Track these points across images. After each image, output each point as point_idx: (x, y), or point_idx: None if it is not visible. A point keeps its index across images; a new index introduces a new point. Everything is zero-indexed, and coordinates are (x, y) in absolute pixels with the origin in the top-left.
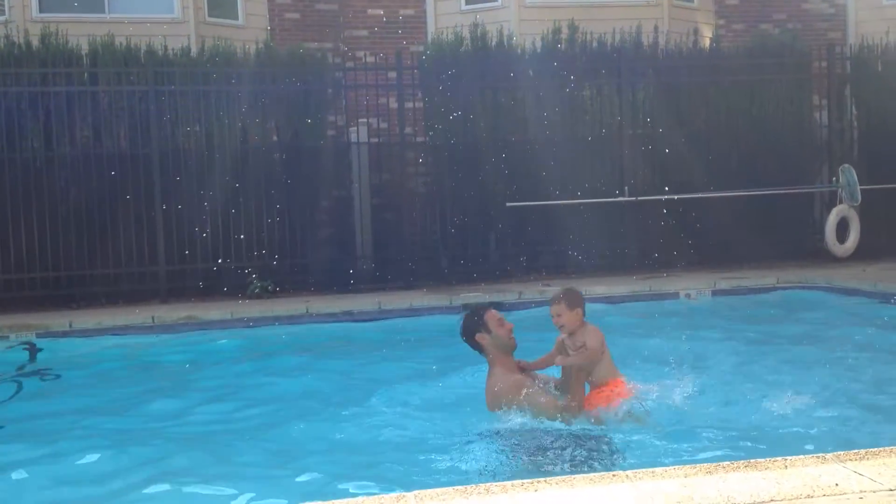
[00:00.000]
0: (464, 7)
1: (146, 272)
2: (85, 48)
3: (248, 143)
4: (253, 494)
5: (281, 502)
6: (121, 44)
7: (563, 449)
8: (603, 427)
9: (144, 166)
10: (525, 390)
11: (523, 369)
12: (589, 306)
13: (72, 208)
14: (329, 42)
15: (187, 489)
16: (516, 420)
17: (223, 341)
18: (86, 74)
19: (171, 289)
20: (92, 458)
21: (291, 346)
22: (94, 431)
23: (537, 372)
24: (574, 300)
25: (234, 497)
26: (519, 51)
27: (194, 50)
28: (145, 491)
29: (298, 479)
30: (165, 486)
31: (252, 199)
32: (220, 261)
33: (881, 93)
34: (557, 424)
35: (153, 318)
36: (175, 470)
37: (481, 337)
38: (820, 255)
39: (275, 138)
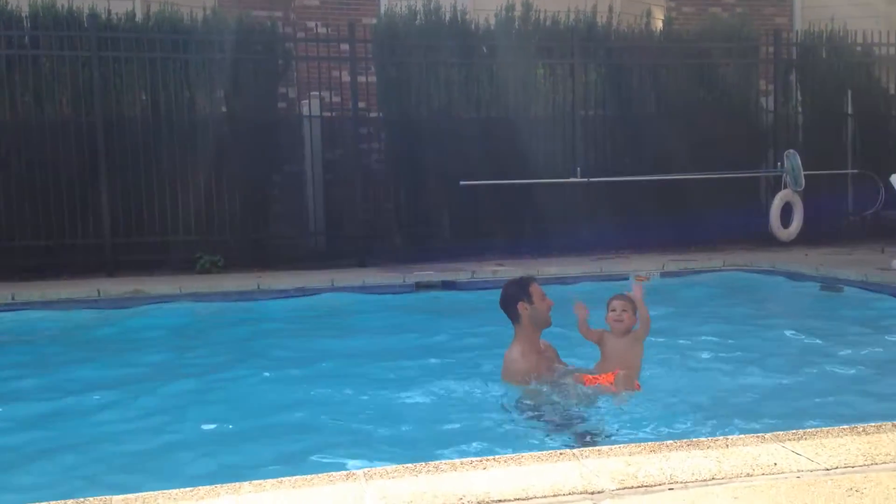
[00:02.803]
0: None
1: (91, 244)
2: (25, 10)
3: (195, 114)
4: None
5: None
6: (63, 6)
7: (570, 422)
8: (600, 404)
9: (88, 135)
10: (540, 382)
11: (543, 353)
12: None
13: (13, 177)
14: (279, 11)
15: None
16: (528, 395)
17: (170, 315)
18: (26, 38)
19: (118, 262)
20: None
21: (243, 321)
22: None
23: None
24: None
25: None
26: (473, 27)
27: (139, 15)
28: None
29: (256, 453)
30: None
31: (201, 171)
32: (167, 235)
33: (825, 79)
34: (569, 404)
35: (98, 291)
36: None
37: (522, 306)
38: (765, 239)
39: (224, 109)
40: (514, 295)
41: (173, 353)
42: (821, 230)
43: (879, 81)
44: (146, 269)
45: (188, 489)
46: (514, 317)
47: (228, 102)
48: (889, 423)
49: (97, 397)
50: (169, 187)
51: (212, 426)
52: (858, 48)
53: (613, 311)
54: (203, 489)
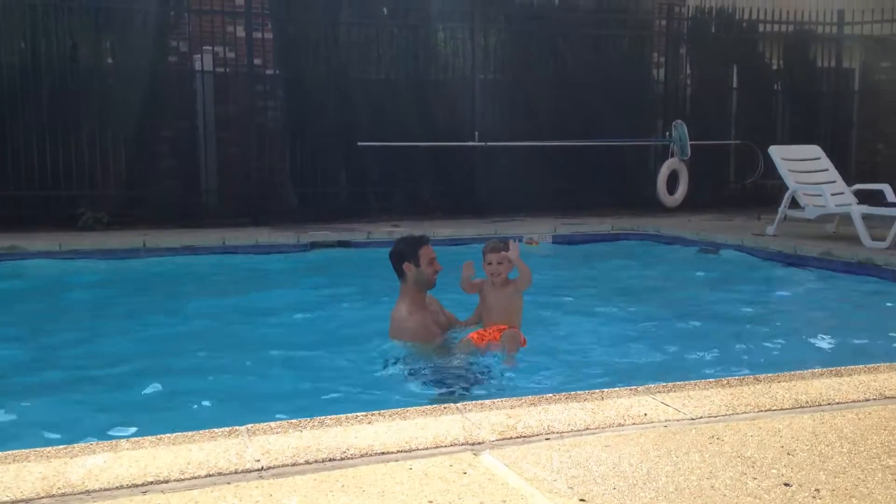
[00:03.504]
0: None
1: None
2: None
3: (79, 63)
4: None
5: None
6: None
7: (457, 379)
8: (487, 361)
9: None
10: (429, 341)
11: (428, 308)
12: (436, 248)
13: None
14: None
15: None
16: (412, 356)
17: (46, 272)
18: None
19: None
20: None
21: (126, 279)
22: None
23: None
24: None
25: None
26: None
27: None
28: None
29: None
30: None
31: (84, 124)
32: (48, 189)
33: (713, 54)
34: (453, 359)
35: None
36: None
37: (408, 266)
38: (652, 205)
39: (109, 60)
40: (401, 253)
41: (46, 311)
42: (704, 197)
43: (763, 57)
44: (22, 226)
45: (62, 447)
46: (399, 274)
47: (114, 53)
48: (751, 377)
49: None
50: (49, 139)
51: (91, 386)
52: (744, 25)
53: (489, 264)
54: (78, 446)
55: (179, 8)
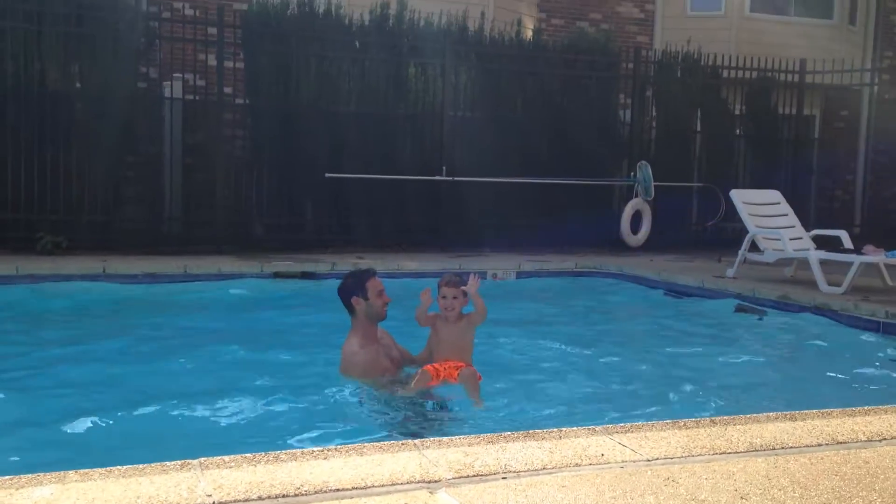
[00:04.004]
0: None
1: None
2: None
3: (46, 87)
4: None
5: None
6: None
7: (414, 414)
8: (443, 399)
9: None
10: (385, 376)
11: (380, 341)
12: (401, 281)
13: None
14: None
15: None
16: (365, 391)
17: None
18: None
19: None
20: None
21: (83, 305)
22: None
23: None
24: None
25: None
26: (347, 21)
27: None
28: None
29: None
30: None
31: (48, 148)
32: (6, 212)
33: (678, 97)
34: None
35: None
36: None
37: (357, 301)
38: (616, 244)
39: (78, 85)
40: (349, 287)
41: None
42: (667, 238)
43: (726, 102)
44: None
45: (7, 478)
46: (349, 309)
47: (83, 78)
48: (707, 419)
49: None
50: (12, 163)
51: (40, 415)
52: (709, 70)
53: (444, 298)
54: (25, 478)
55: (151, 35)
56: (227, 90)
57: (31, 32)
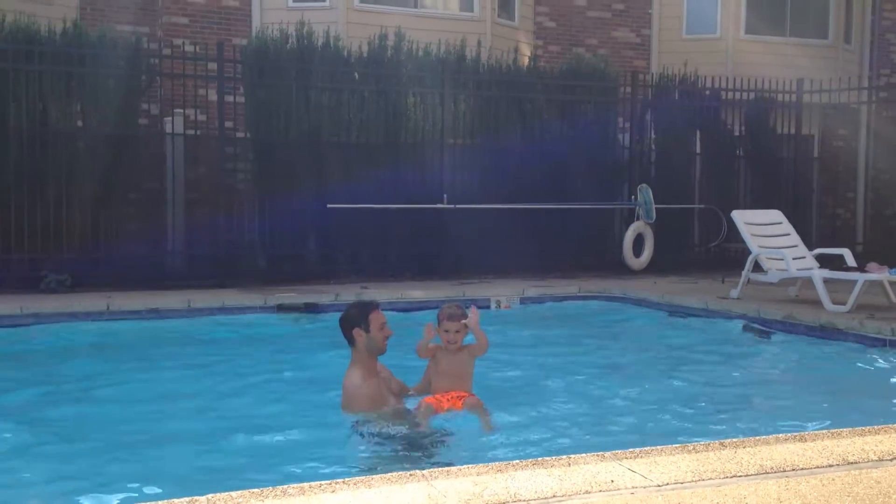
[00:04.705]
0: (291, 4)
1: None
2: None
3: (47, 127)
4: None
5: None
6: None
7: (421, 445)
8: (449, 425)
9: None
10: (385, 407)
11: (380, 374)
12: (404, 311)
13: None
14: (145, 27)
15: None
16: (369, 424)
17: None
18: None
19: None
20: None
21: (89, 343)
22: None
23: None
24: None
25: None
26: (346, 53)
27: None
28: None
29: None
30: None
31: (51, 187)
32: (10, 252)
33: (677, 120)
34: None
35: None
36: None
37: (358, 333)
38: (618, 268)
39: (80, 123)
40: (350, 319)
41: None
42: (669, 260)
43: (725, 124)
44: None
45: None
46: (350, 341)
47: (85, 117)
48: (717, 442)
49: None
50: (14, 202)
51: (48, 454)
52: (707, 92)
53: (447, 331)
54: None
55: (151, 72)
56: (228, 124)
57: (32, 73)
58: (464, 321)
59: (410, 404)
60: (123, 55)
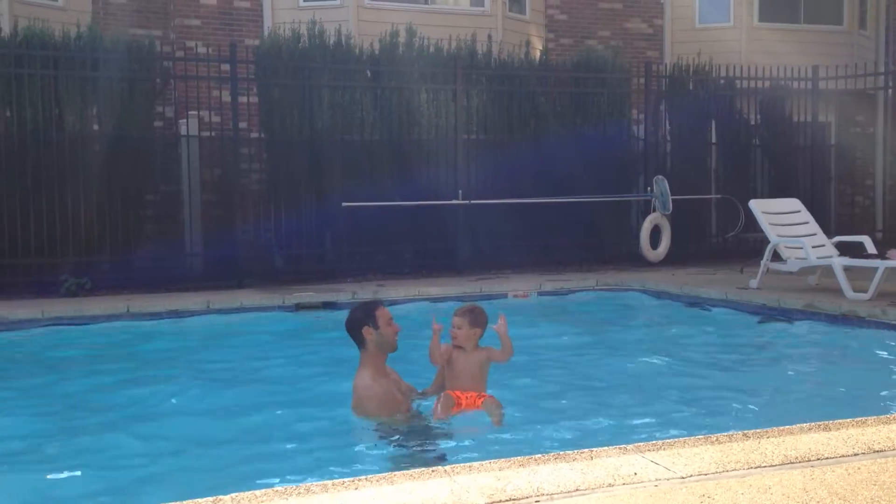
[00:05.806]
0: (302, 4)
1: None
2: None
3: (64, 132)
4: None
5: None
6: None
7: (426, 446)
8: (469, 419)
9: None
10: (396, 412)
11: (390, 375)
12: (425, 305)
13: None
14: (158, 30)
15: None
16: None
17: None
18: None
19: None
20: None
21: (112, 343)
22: None
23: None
24: (478, 320)
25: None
26: (357, 51)
27: (6, 30)
28: None
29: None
30: None
31: (69, 191)
32: (30, 257)
33: (692, 110)
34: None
35: None
36: None
37: (367, 331)
38: (636, 259)
39: (95, 127)
40: (358, 319)
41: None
42: (687, 251)
43: (741, 112)
44: (4, 293)
45: None
46: (359, 342)
47: (101, 120)
48: (740, 433)
49: None
50: (33, 206)
51: (74, 453)
52: (722, 81)
53: (452, 327)
54: None
55: (165, 75)
56: (243, 125)
57: (47, 78)
58: (494, 326)
59: (422, 408)
60: (137, 58)
